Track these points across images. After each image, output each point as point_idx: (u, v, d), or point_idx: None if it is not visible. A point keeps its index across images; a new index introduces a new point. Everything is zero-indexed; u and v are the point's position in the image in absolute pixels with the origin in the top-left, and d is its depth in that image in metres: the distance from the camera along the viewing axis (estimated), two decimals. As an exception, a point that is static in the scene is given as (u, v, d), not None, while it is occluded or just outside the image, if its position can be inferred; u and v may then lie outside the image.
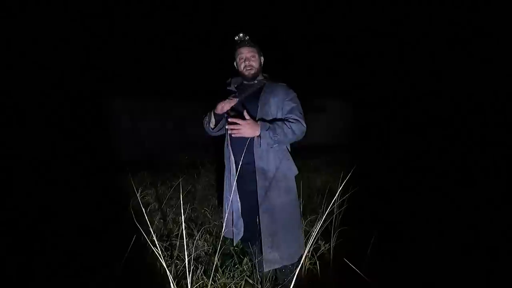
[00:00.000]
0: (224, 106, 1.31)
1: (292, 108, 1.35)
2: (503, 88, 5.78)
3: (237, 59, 1.42)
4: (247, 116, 1.23)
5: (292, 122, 1.30)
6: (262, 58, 1.46)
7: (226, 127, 1.28)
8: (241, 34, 1.39)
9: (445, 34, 7.13)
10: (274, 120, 1.34)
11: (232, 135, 1.26)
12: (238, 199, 1.39)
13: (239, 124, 1.22)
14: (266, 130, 1.25)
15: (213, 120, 1.42)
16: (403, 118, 6.87)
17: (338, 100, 7.87)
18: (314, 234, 1.04)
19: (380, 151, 5.39)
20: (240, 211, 1.39)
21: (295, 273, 0.81)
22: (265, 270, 1.34)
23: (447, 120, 6.22)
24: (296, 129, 1.29)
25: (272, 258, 1.31)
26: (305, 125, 1.33)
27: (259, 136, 1.26)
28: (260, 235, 1.47)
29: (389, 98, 7.30)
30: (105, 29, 5.88)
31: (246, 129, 1.21)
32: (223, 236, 1.45)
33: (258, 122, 1.26)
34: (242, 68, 1.41)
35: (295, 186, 1.40)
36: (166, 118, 6.11)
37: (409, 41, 7.72)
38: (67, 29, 5.18)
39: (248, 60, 1.39)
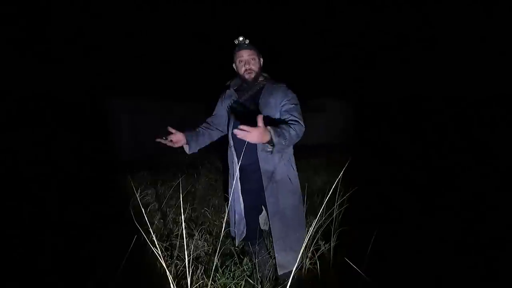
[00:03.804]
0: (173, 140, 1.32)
1: (290, 108, 1.33)
2: (503, 89, 5.78)
3: (237, 62, 1.41)
4: (260, 123, 1.08)
5: (294, 124, 1.28)
6: (262, 60, 1.46)
7: (235, 131, 1.13)
8: (241, 38, 1.38)
9: (445, 34, 7.13)
10: (275, 121, 1.32)
11: (238, 136, 1.11)
12: (241, 200, 1.38)
13: (247, 131, 1.06)
14: (278, 137, 1.14)
15: (186, 148, 1.42)
16: (404, 118, 6.87)
17: (338, 100, 7.86)
18: (314, 234, 1.04)
19: (380, 151, 5.39)
20: (243, 211, 1.39)
21: (294, 273, 0.81)
22: (279, 274, 1.33)
23: (447, 120, 6.22)
24: (298, 130, 1.28)
25: (285, 262, 1.30)
26: (303, 125, 1.32)
27: (270, 143, 1.16)
28: (260, 236, 1.46)
29: (390, 98, 7.30)
30: (106, 29, 5.89)
31: (255, 134, 1.06)
32: (223, 236, 1.45)
33: (268, 127, 1.13)
34: (242, 72, 1.40)
35: (299, 186, 1.40)
36: (166, 118, 6.10)
37: (409, 41, 7.72)
38: (67, 29, 5.18)
39: (248, 63, 1.38)
